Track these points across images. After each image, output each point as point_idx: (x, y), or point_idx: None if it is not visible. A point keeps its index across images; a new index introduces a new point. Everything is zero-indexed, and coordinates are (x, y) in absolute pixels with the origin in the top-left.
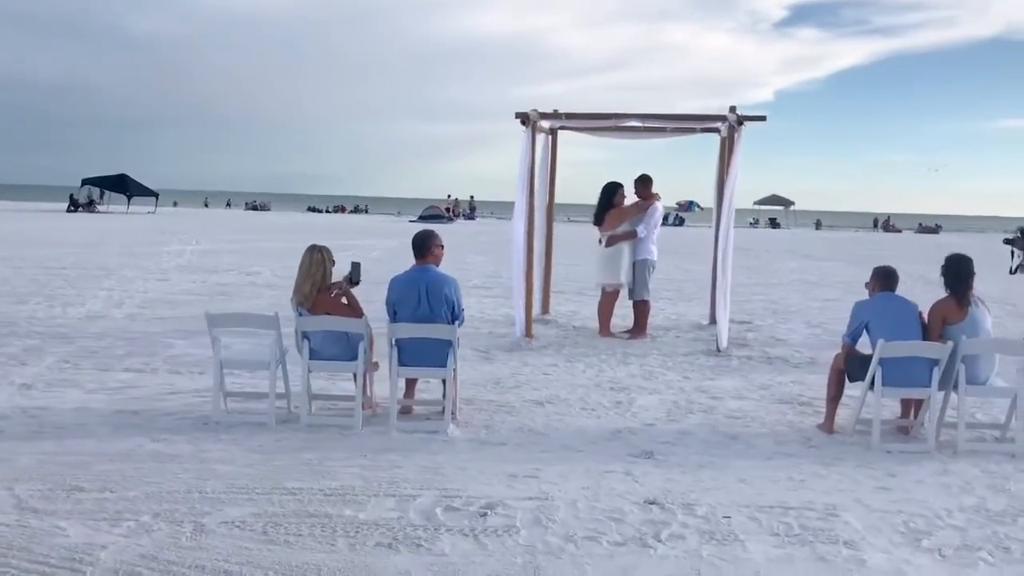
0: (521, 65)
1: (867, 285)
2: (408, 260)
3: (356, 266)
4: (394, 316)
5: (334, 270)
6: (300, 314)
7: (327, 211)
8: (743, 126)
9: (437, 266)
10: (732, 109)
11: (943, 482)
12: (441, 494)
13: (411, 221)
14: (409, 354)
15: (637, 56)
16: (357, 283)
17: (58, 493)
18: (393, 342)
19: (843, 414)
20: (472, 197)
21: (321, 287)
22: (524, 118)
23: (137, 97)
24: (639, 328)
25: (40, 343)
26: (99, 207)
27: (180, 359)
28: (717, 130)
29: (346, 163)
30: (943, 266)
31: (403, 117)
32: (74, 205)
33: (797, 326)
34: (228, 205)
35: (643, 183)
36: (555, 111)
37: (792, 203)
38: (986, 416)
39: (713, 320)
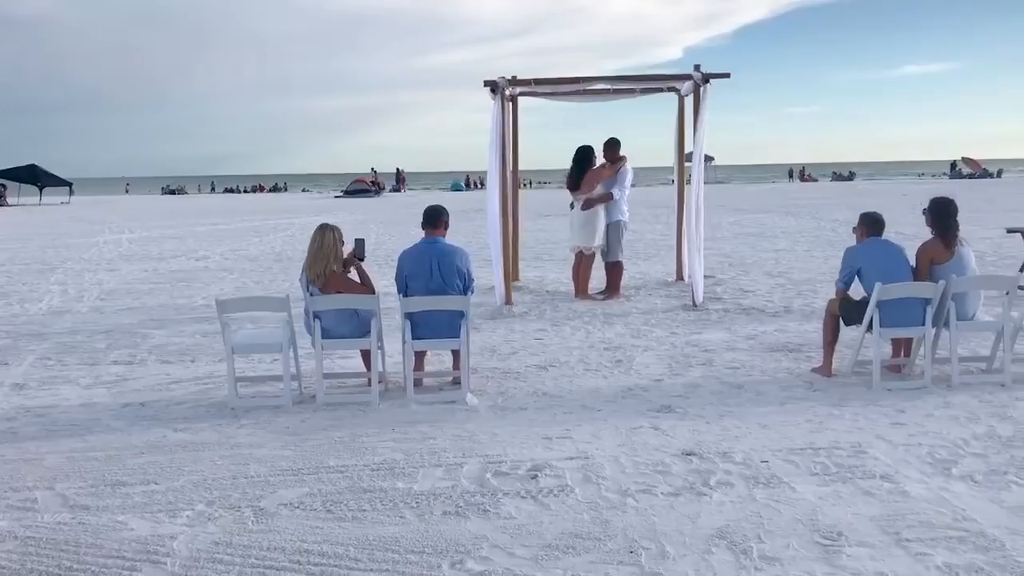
0: (431, 34)
1: (855, 231)
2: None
3: (360, 242)
4: (406, 289)
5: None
6: (311, 293)
7: (244, 191)
8: (709, 84)
9: (445, 237)
10: (697, 67)
11: (950, 414)
12: (485, 460)
13: (336, 196)
14: (422, 327)
15: (544, 21)
16: (362, 259)
17: (103, 489)
18: (405, 315)
19: (837, 356)
20: (399, 169)
21: (333, 266)
22: (493, 86)
23: (27, 83)
24: (613, 288)
25: (12, 342)
26: (8, 200)
27: (165, 348)
28: (676, 90)
29: (257, 141)
30: (929, 209)
31: (312, 91)
32: None
33: (759, 277)
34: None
35: (611, 146)
36: (514, 77)
37: (712, 158)
38: (966, 350)
39: (680, 277)
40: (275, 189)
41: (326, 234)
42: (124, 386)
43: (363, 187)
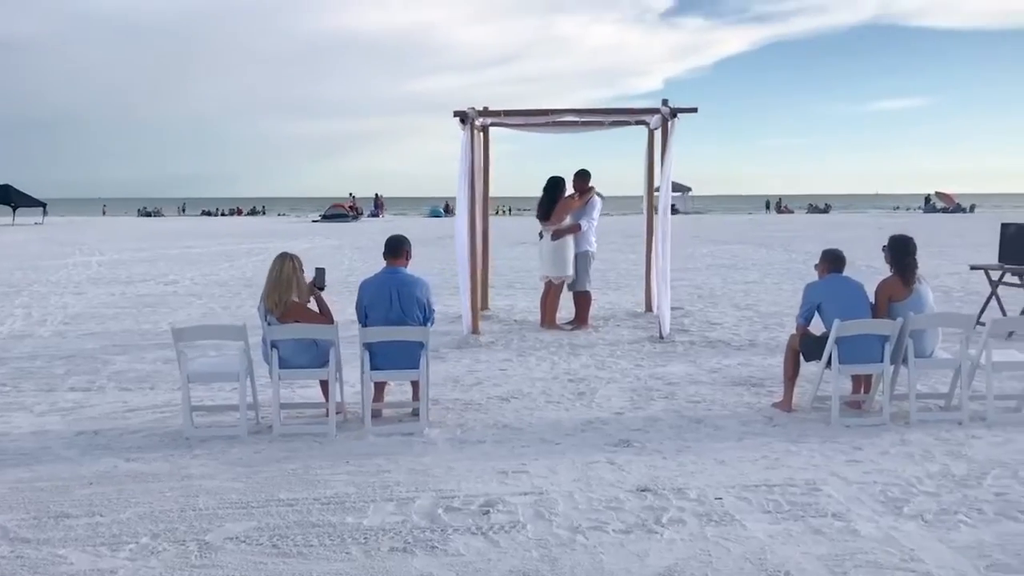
0: (414, 59)
1: (816, 267)
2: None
3: (321, 272)
4: (365, 319)
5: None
6: (269, 323)
7: (222, 214)
8: (677, 118)
9: (406, 268)
10: (665, 102)
11: (905, 452)
12: (438, 495)
13: (314, 221)
14: (381, 357)
15: (527, 50)
16: (322, 288)
17: (45, 521)
18: (364, 346)
19: (797, 392)
20: (378, 194)
21: (291, 296)
22: (463, 116)
23: (2, 102)
24: (581, 319)
25: None
26: None
27: (125, 375)
28: (646, 123)
29: (238, 163)
30: (888, 246)
31: (293, 115)
32: None
33: (727, 309)
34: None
35: (581, 177)
36: (485, 108)
37: (689, 189)
38: (925, 387)
39: (649, 308)
40: (253, 212)
41: (285, 263)
42: (79, 414)
43: (341, 212)
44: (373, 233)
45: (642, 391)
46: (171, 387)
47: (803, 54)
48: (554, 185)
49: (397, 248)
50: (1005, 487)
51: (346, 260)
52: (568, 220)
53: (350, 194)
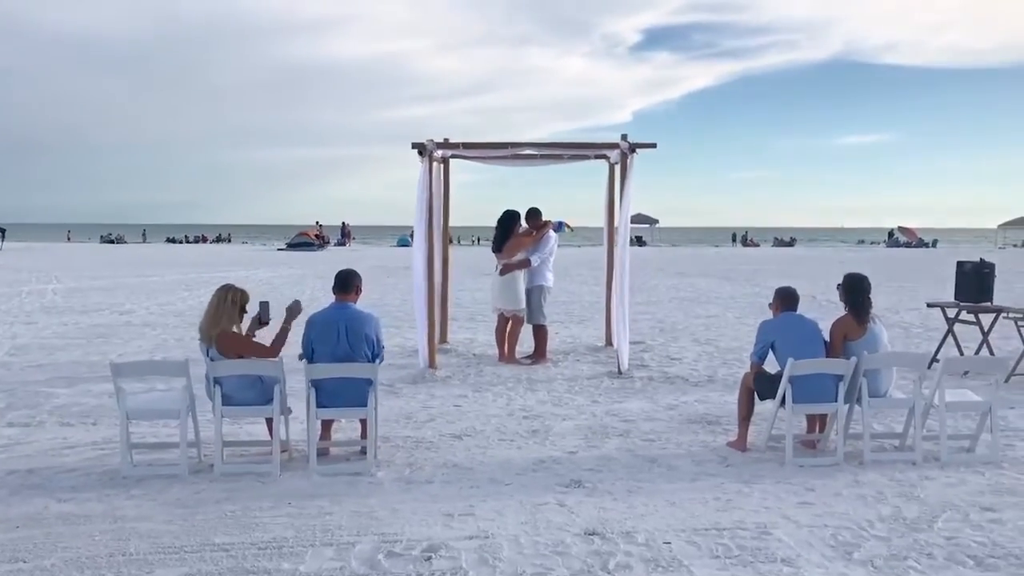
0: (384, 89)
1: (770, 305)
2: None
3: (265, 305)
4: (312, 355)
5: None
6: (211, 358)
7: (187, 241)
8: (635, 153)
9: (356, 303)
10: (624, 137)
11: (858, 493)
12: (380, 539)
13: (280, 249)
14: (327, 394)
15: (499, 81)
16: (267, 323)
17: None
18: (310, 382)
19: (753, 431)
20: (345, 223)
21: (230, 330)
22: (421, 148)
23: None
24: (539, 353)
25: None
26: None
27: (68, 409)
28: (606, 157)
29: (205, 190)
30: (842, 285)
31: (261, 142)
32: None
33: (687, 344)
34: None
35: (533, 216)
36: (445, 140)
37: (656, 221)
38: (881, 426)
39: (609, 342)
40: (219, 240)
41: (222, 294)
42: (14, 451)
43: (307, 240)
44: (338, 263)
45: (597, 429)
46: (114, 422)
47: (770, 89)
48: (509, 218)
49: (347, 283)
50: (955, 531)
51: (308, 290)
52: (520, 255)
53: (316, 222)
